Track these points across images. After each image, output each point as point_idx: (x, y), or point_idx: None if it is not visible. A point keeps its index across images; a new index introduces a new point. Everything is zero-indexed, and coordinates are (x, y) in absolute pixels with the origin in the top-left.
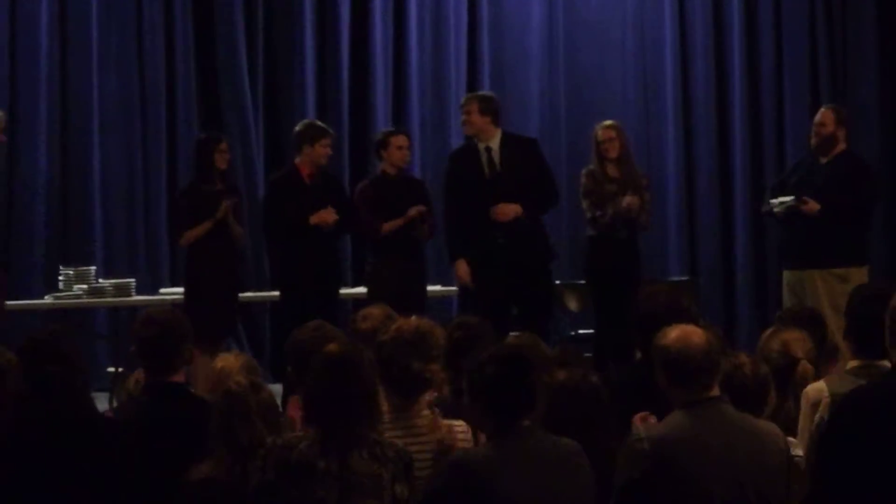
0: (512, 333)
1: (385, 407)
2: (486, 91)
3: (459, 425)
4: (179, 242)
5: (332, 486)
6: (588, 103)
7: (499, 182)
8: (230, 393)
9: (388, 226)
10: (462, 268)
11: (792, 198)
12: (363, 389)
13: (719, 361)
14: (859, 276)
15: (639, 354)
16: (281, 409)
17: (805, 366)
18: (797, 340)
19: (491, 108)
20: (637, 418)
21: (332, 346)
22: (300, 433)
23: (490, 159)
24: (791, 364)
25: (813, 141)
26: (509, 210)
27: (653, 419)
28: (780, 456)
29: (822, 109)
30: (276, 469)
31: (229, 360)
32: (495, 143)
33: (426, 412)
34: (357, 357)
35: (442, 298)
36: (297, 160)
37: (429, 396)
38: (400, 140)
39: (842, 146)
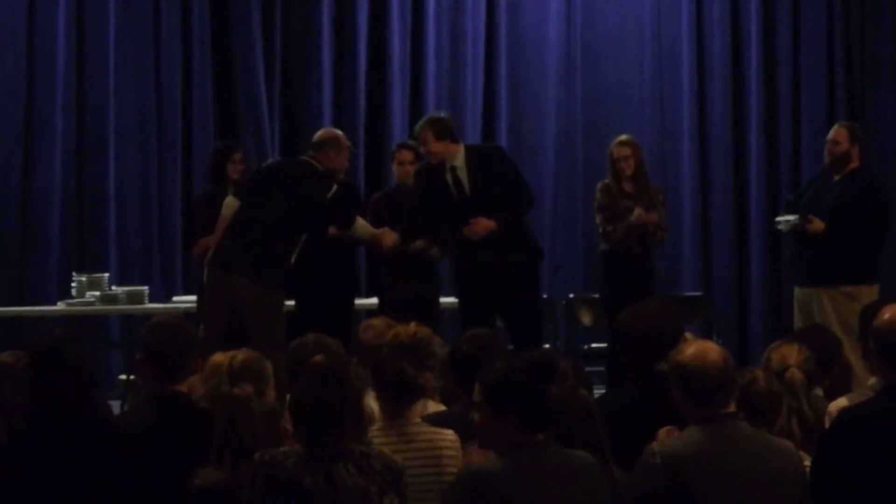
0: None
1: (377, 414)
2: (434, 113)
3: (448, 434)
4: (193, 251)
5: (319, 502)
6: (604, 118)
7: (468, 201)
8: (234, 397)
9: (390, 244)
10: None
11: (796, 217)
12: (348, 402)
13: (735, 378)
14: (869, 294)
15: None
16: None
17: (793, 372)
18: (792, 351)
19: (445, 131)
20: (662, 433)
21: (317, 359)
22: (287, 448)
23: (456, 178)
24: (783, 372)
25: (826, 159)
26: (481, 228)
27: (676, 433)
28: (794, 474)
29: (836, 127)
30: (263, 486)
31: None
32: (460, 161)
33: (418, 419)
34: (342, 369)
35: (455, 311)
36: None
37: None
38: (402, 155)
39: (855, 163)
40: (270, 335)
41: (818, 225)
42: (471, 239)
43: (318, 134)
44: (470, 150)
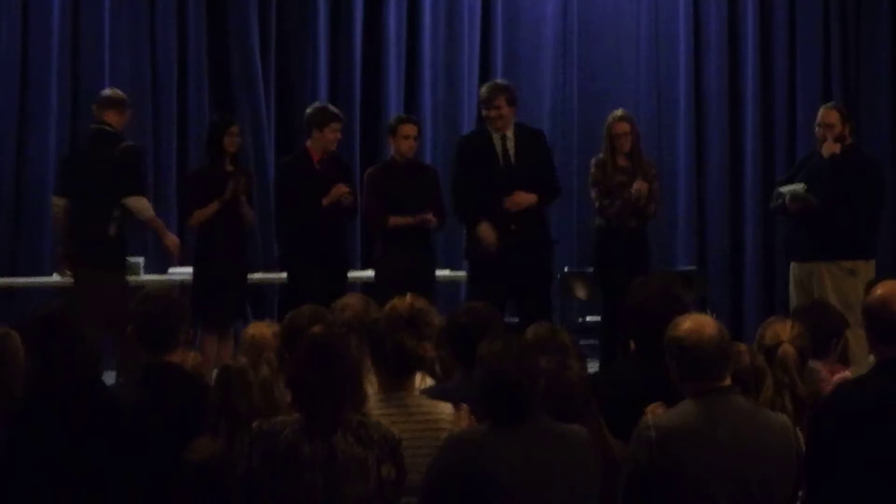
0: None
1: (376, 386)
2: (501, 80)
3: (446, 407)
4: (189, 223)
5: (318, 472)
6: (601, 95)
7: (512, 171)
8: (229, 368)
9: (395, 221)
10: (486, 228)
11: (803, 185)
12: (347, 372)
13: (731, 352)
14: (867, 269)
15: (632, 345)
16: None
17: (786, 348)
18: (784, 327)
19: (514, 99)
20: (649, 409)
21: (315, 329)
22: (285, 417)
23: (505, 149)
24: (775, 348)
25: (826, 146)
26: (524, 199)
27: (661, 409)
28: (789, 448)
29: (825, 109)
30: (262, 456)
31: (261, 329)
32: (510, 133)
33: (416, 392)
34: (341, 340)
35: (451, 284)
36: (308, 144)
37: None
38: (407, 129)
39: (848, 140)
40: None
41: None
42: (508, 210)
43: (104, 93)
44: (519, 126)
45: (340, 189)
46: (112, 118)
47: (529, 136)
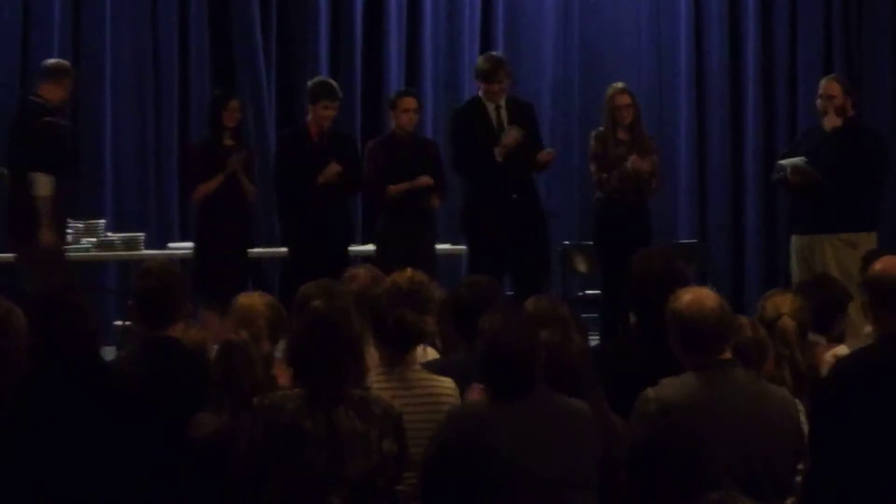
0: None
1: (377, 360)
2: (497, 53)
3: (447, 381)
4: (192, 197)
5: (320, 446)
6: (602, 67)
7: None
8: (231, 343)
9: (394, 189)
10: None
11: (802, 158)
12: (347, 346)
13: (732, 325)
14: (868, 241)
15: (633, 318)
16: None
17: (786, 321)
18: (784, 300)
19: (512, 72)
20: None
21: (316, 303)
22: (287, 392)
23: (499, 118)
24: (776, 321)
25: (827, 119)
26: (512, 135)
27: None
28: (790, 422)
29: (826, 81)
30: (264, 431)
31: (252, 299)
32: (503, 103)
33: (417, 366)
34: (342, 314)
35: (451, 258)
36: (308, 118)
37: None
38: (407, 102)
39: (850, 112)
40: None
41: (815, 175)
42: (507, 176)
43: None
44: (509, 97)
45: (333, 168)
46: (46, 90)
47: (521, 108)
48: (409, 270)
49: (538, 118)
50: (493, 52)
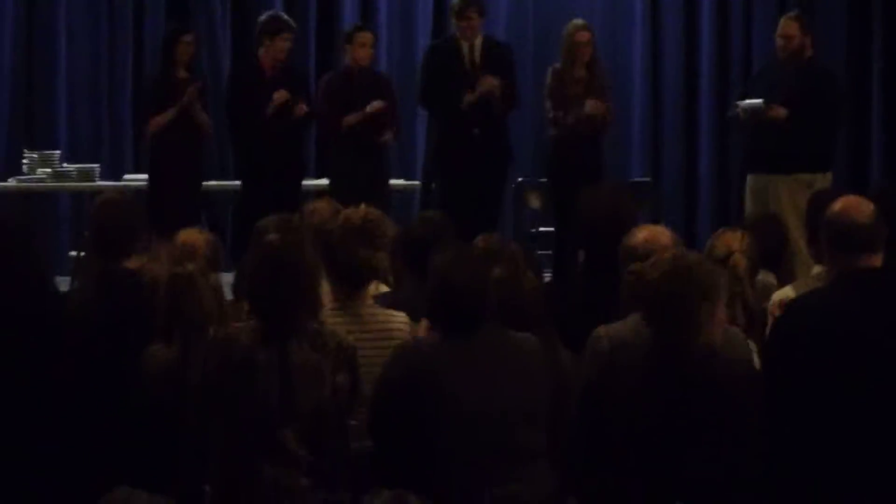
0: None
1: (330, 296)
2: None
3: (400, 316)
4: (145, 130)
5: (273, 378)
6: (556, 4)
7: (476, 79)
8: (177, 275)
9: (349, 120)
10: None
11: (761, 101)
12: (302, 280)
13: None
14: (823, 182)
15: (582, 256)
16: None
17: (737, 258)
18: (735, 238)
19: (485, 10)
20: None
21: (271, 237)
22: (240, 324)
23: (472, 58)
24: (726, 258)
25: (781, 54)
26: (488, 82)
27: None
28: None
29: (785, 20)
30: (217, 363)
31: (193, 235)
32: (478, 42)
33: (371, 301)
34: (296, 248)
35: (405, 192)
36: (260, 52)
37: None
38: (364, 37)
39: (808, 52)
40: None
41: (780, 111)
42: (472, 113)
43: None
44: (487, 38)
45: (282, 95)
46: None
47: (496, 48)
48: (362, 206)
49: (514, 61)
50: None
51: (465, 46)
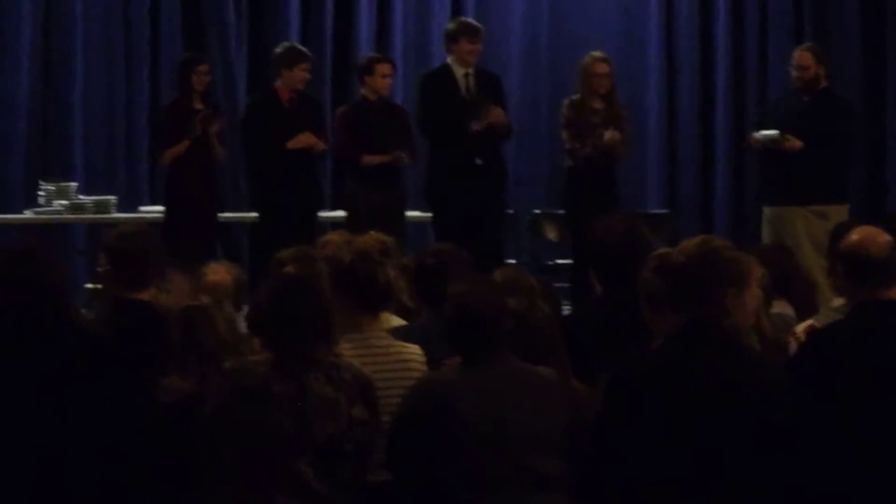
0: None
1: (345, 327)
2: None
3: (414, 348)
4: (161, 160)
5: (288, 409)
6: (571, 33)
7: (473, 106)
8: (191, 306)
9: (369, 159)
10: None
11: (776, 132)
12: (318, 312)
13: None
14: (839, 213)
15: (598, 288)
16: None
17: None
18: None
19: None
20: None
21: (287, 269)
22: (257, 357)
23: (467, 84)
24: None
25: (796, 84)
26: (499, 111)
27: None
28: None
29: (800, 51)
30: (232, 393)
31: (220, 273)
32: (471, 70)
33: (384, 333)
34: (313, 279)
35: (421, 224)
36: (277, 83)
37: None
38: (385, 68)
39: (823, 83)
40: None
41: (796, 143)
42: (472, 141)
43: None
44: (477, 66)
45: (308, 139)
46: None
47: (488, 76)
48: (371, 233)
49: (503, 88)
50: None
51: (459, 74)
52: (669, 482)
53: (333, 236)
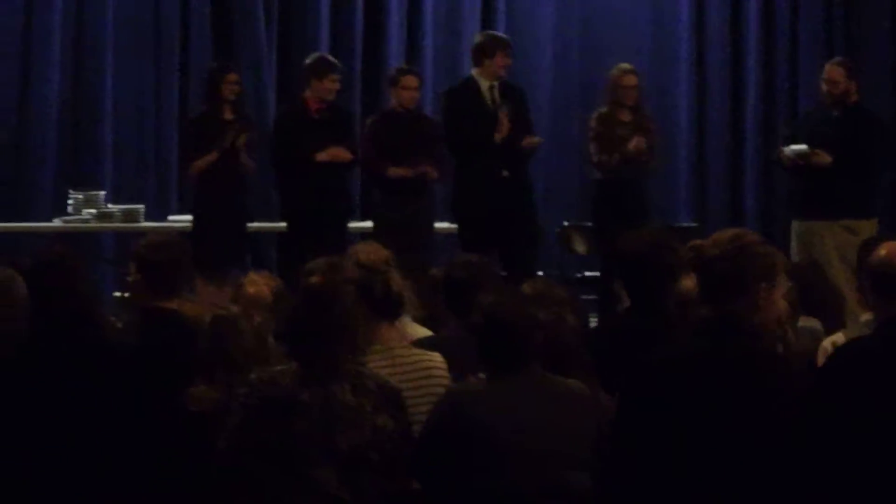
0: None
1: (368, 338)
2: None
3: (436, 356)
4: (189, 171)
5: (313, 418)
6: (601, 45)
7: (497, 120)
8: (219, 316)
9: (394, 172)
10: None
11: (805, 146)
12: (343, 321)
13: None
14: (868, 228)
15: (626, 300)
16: None
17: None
18: None
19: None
20: None
21: (313, 279)
22: (283, 367)
23: (493, 96)
24: None
25: (826, 99)
26: (536, 141)
27: None
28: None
29: (830, 66)
30: (258, 403)
31: (259, 286)
32: (496, 83)
33: (406, 343)
34: (339, 289)
35: (449, 236)
36: (307, 93)
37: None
38: (409, 80)
39: (853, 98)
40: None
41: (825, 158)
42: (498, 154)
43: None
44: (502, 80)
45: (336, 152)
46: None
47: (513, 89)
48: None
49: (527, 100)
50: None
51: (484, 86)
52: (688, 478)
53: (363, 246)
